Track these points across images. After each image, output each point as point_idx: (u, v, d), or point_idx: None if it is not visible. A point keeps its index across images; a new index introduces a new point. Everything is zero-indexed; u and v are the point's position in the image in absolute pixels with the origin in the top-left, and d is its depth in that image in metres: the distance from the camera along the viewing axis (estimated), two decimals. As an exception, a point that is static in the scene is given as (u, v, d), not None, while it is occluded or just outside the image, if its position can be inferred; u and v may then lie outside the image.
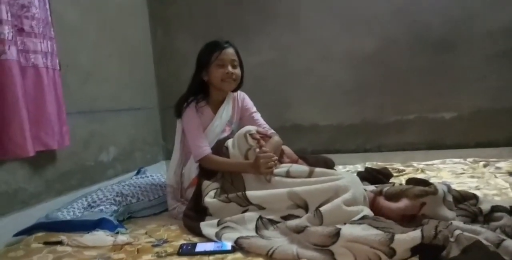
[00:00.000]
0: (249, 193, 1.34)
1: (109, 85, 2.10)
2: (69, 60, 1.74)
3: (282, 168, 1.41)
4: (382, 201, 1.28)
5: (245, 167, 1.44)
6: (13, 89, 1.28)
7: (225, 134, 1.69)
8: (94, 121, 1.95)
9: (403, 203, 1.22)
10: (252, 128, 1.51)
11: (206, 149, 1.57)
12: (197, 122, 1.62)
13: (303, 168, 1.40)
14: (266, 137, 1.53)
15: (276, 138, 1.56)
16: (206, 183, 1.48)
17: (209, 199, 1.40)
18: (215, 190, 1.44)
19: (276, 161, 1.41)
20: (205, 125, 1.64)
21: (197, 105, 1.63)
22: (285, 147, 1.61)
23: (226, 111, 1.68)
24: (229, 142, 1.55)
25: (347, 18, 2.44)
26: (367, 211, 1.19)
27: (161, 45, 2.67)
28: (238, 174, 1.45)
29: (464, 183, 1.76)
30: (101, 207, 1.49)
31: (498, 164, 2.08)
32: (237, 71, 1.62)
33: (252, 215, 1.29)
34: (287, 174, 1.38)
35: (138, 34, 2.50)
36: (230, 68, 1.59)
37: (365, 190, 1.33)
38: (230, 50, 1.61)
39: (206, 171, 1.56)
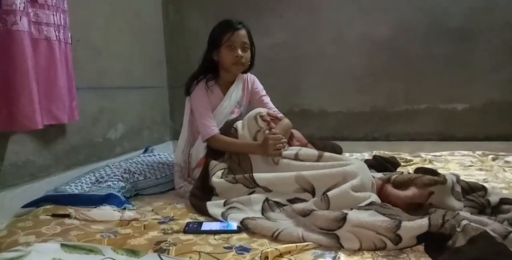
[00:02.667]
0: (256, 175, 1.35)
1: (119, 61, 2.08)
2: (80, 35, 1.73)
3: (291, 150, 1.41)
4: (390, 188, 1.27)
5: (253, 148, 1.43)
6: (23, 60, 1.26)
7: (234, 116, 1.69)
8: (103, 97, 1.94)
9: (411, 191, 1.22)
10: (262, 110, 1.50)
11: (214, 129, 1.56)
12: (205, 101, 1.61)
13: (312, 151, 1.39)
14: (276, 119, 1.52)
15: (286, 120, 1.55)
16: (213, 163, 1.48)
17: (216, 179, 1.40)
18: (222, 170, 1.45)
19: (285, 144, 1.40)
20: (214, 105, 1.64)
21: (206, 84, 1.63)
22: (295, 131, 1.60)
23: (235, 93, 1.67)
24: (239, 124, 1.55)
25: (364, 2, 2.39)
26: (374, 198, 1.19)
27: (172, 23, 2.63)
28: (245, 156, 1.45)
29: (472, 176, 1.74)
30: (109, 183, 1.50)
31: (507, 158, 2.06)
32: (247, 54, 1.61)
33: (258, 197, 1.29)
34: (296, 157, 1.38)
35: (149, 11, 2.46)
36: (240, 52, 1.57)
37: (373, 177, 1.32)
38: (242, 32, 1.58)
39: (213, 151, 1.56)
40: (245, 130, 1.49)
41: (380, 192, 1.28)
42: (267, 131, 1.42)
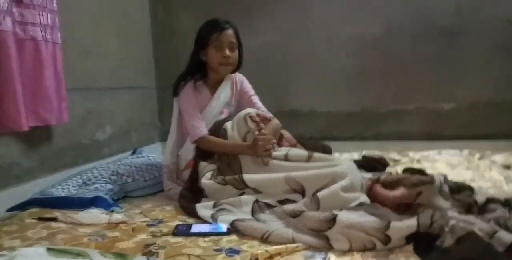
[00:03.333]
0: (246, 176, 1.34)
1: (108, 62, 2.06)
2: (68, 35, 1.70)
3: (281, 151, 1.40)
4: (379, 188, 1.28)
5: (243, 149, 1.43)
6: (7, 61, 1.25)
7: (223, 116, 1.68)
8: (91, 99, 1.92)
9: (400, 191, 1.22)
10: (252, 111, 1.50)
11: (203, 130, 1.55)
12: (194, 102, 1.60)
13: (302, 152, 1.39)
14: (265, 120, 1.51)
15: (276, 121, 1.55)
16: (203, 164, 1.47)
17: (206, 180, 1.39)
18: (211, 172, 1.44)
19: (274, 144, 1.40)
20: (203, 105, 1.63)
21: (194, 84, 1.62)
22: (284, 131, 1.60)
23: (224, 93, 1.67)
24: (228, 124, 1.54)
25: (353, 2, 2.40)
26: (364, 198, 1.20)
27: (161, 23, 2.61)
28: (235, 157, 1.45)
29: (459, 175, 1.76)
30: (96, 185, 1.48)
31: (493, 157, 2.08)
32: (234, 54, 1.60)
33: (248, 198, 1.29)
34: (286, 158, 1.38)
35: (138, 11, 2.44)
36: (227, 52, 1.57)
37: (363, 177, 1.33)
38: (229, 32, 1.58)
39: (202, 153, 1.55)
40: (235, 131, 1.48)
41: (370, 192, 1.28)
42: (256, 132, 1.42)
